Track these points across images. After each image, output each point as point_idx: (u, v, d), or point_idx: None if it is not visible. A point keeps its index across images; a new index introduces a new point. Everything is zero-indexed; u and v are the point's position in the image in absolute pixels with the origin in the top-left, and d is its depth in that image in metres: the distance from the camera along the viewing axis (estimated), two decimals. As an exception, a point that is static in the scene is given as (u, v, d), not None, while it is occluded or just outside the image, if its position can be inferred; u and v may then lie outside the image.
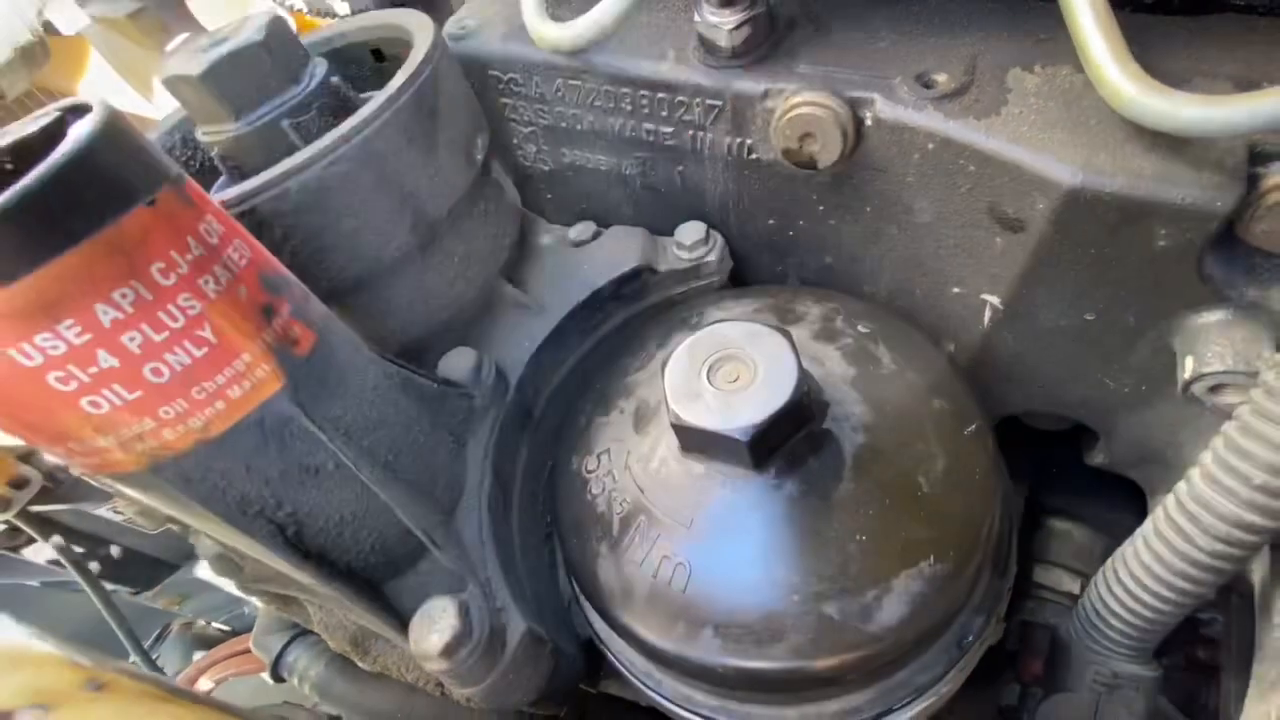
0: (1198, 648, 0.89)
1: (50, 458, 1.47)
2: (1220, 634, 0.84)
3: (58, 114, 0.36)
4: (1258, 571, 0.62)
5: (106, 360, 0.34)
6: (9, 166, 0.36)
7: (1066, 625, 0.68)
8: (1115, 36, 0.47)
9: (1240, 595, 0.69)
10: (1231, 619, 0.79)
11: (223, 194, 0.49)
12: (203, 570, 1.72)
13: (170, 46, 1.02)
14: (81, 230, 0.31)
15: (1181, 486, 0.52)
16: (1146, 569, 0.55)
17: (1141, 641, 0.61)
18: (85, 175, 0.32)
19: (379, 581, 0.53)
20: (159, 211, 0.34)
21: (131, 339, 0.34)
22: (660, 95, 0.66)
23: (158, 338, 0.35)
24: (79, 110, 0.36)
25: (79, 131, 0.32)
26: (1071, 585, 0.85)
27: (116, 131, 0.34)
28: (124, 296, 0.33)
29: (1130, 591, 0.57)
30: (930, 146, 0.56)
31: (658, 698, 0.58)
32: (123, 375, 0.34)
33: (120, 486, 0.41)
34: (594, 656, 0.65)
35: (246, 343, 0.39)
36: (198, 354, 0.37)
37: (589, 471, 0.57)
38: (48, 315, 0.31)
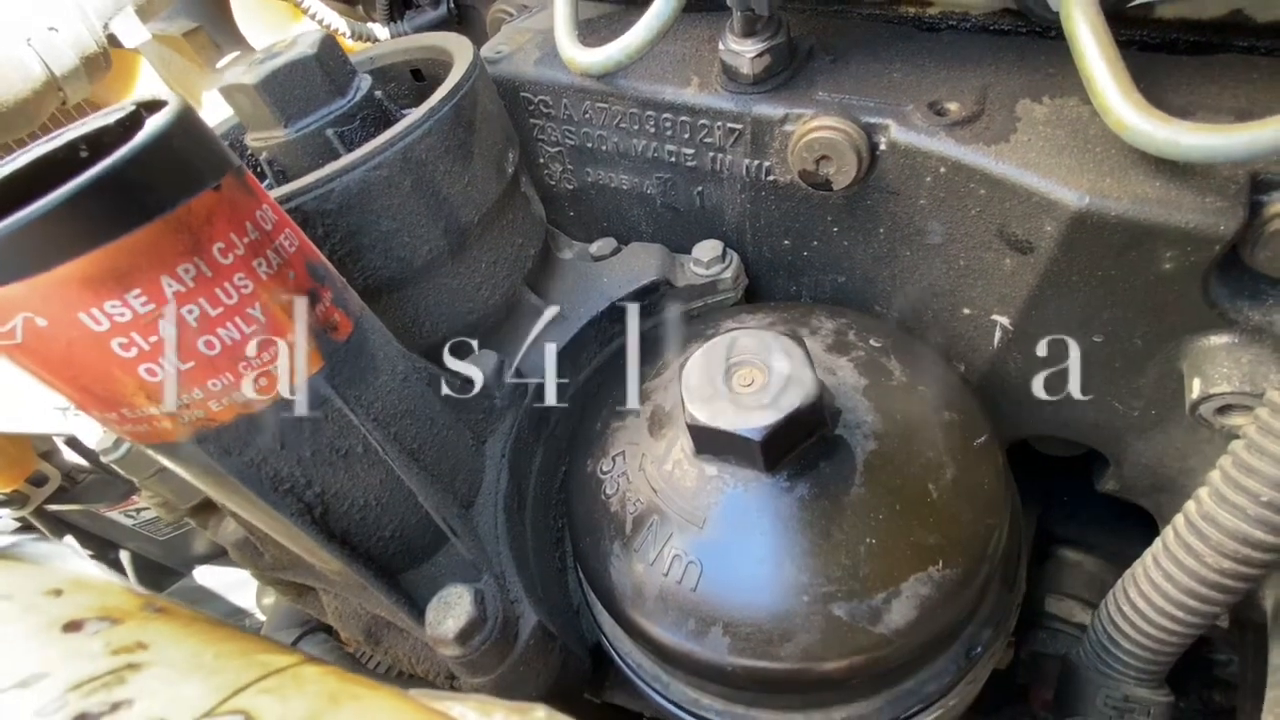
0: (1214, 691, 0.87)
1: (70, 457, 1.50)
2: (1235, 676, 0.83)
3: (134, 107, 0.40)
4: (1270, 598, 0.61)
5: (166, 330, 0.36)
6: (84, 153, 0.39)
7: (1077, 649, 0.68)
8: (1119, 68, 0.50)
9: (1255, 627, 0.68)
10: (1247, 659, 0.77)
11: (273, 191, 0.52)
12: (205, 578, 1.73)
13: (220, 64, 1.08)
14: (155, 208, 0.34)
15: (1190, 505, 0.52)
16: (1156, 588, 0.55)
17: (1152, 664, 0.60)
18: (161, 159, 0.35)
19: (397, 570, 0.54)
20: (223, 196, 0.37)
21: (190, 312, 0.36)
22: (683, 118, 0.69)
23: (213, 312, 0.37)
24: (153, 106, 0.39)
25: (158, 120, 0.35)
26: (1083, 616, 0.84)
27: (190, 122, 0.37)
28: (187, 271, 0.36)
29: (1140, 611, 0.57)
30: (942, 170, 0.59)
31: (664, 702, 0.58)
32: (179, 346, 0.37)
33: (162, 457, 0.43)
34: (600, 662, 0.65)
35: (291, 323, 0.41)
36: (247, 330, 0.39)
37: (604, 472, 0.59)
38: (119, 284, 0.34)
